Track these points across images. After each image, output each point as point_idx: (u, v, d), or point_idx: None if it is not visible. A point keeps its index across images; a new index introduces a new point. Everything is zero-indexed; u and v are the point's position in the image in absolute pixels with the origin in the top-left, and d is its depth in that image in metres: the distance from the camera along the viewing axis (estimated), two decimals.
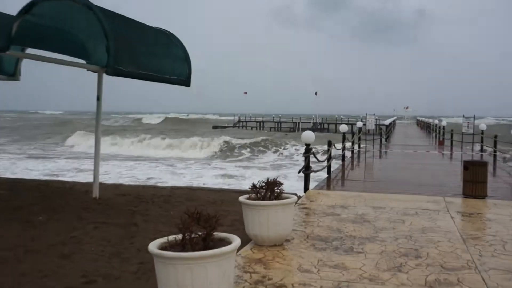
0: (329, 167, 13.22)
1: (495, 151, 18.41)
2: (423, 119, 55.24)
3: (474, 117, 23.79)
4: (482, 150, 21.01)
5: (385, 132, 33.48)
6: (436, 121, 35.43)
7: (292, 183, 17.41)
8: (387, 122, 34.96)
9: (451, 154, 20.55)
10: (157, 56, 9.51)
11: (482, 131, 21.62)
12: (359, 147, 21.32)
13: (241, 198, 5.85)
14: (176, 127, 75.49)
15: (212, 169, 27.64)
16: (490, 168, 15.08)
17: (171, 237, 3.77)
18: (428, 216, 7.68)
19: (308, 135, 10.21)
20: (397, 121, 67.22)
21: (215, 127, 72.23)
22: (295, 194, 9.04)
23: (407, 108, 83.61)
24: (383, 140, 28.09)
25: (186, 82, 10.23)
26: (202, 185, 16.73)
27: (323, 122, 71.46)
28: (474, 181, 9.43)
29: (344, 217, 7.52)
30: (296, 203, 8.25)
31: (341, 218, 7.40)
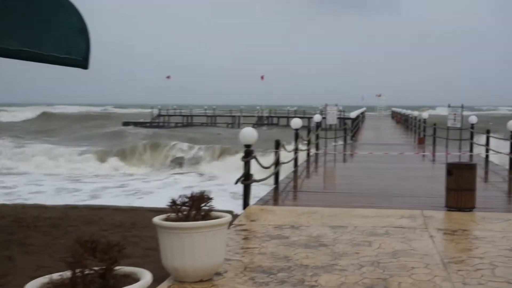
0: (276, 175, 13.41)
1: (487, 151, 19.29)
2: (399, 110, 57.01)
3: (462, 107, 24.81)
4: (471, 149, 21.94)
5: (351, 127, 34.29)
6: (416, 113, 36.70)
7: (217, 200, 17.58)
8: (353, 114, 35.81)
9: (433, 155, 21.36)
10: (40, 27, 9.29)
11: (472, 125, 22.57)
12: (317, 148, 21.74)
13: (156, 219, 5.84)
14: (69, 123, 73.77)
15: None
16: (481, 172, 15.82)
17: (56, 275, 3.73)
18: (402, 235, 7.97)
19: (248, 134, 10.34)
20: (367, 113, 68.97)
21: (126, 124, 71.29)
22: (230, 212, 9.14)
23: (379, 96, 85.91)
24: (348, 138, 28.74)
25: (83, 62, 10.05)
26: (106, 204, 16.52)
27: (271, 115, 72.24)
28: (460, 189, 9.87)
29: (294, 240, 7.67)
30: (231, 223, 8.34)
31: (290, 242, 7.55)
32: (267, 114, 71.75)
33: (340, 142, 26.79)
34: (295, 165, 16.74)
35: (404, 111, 49.65)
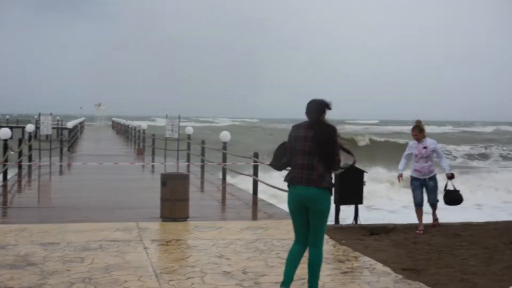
0: None
1: (202, 161, 20.41)
2: (120, 120, 57.28)
3: (179, 117, 25.89)
4: (188, 159, 22.97)
5: (68, 138, 33.61)
6: (136, 123, 37.33)
7: None
8: (70, 124, 35.05)
9: (152, 166, 21.91)
10: None
11: (189, 135, 23.67)
12: (30, 159, 20.81)
13: None
14: None
15: None
16: (197, 181, 16.69)
17: None
18: (116, 249, 8.03)
19: None
20: (86, 123, 68.13)
21: None
22: None
23: (99, 105, 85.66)
24: (66, 149, 28.13)
25: None
26: None
27: None
28: (174, 199, 10.27)
29: None
30: None
31: None
32: None
33: (57, 153, 26.05)
34: (4, 179, 15.81)
35: (124, 121, 49.98)
